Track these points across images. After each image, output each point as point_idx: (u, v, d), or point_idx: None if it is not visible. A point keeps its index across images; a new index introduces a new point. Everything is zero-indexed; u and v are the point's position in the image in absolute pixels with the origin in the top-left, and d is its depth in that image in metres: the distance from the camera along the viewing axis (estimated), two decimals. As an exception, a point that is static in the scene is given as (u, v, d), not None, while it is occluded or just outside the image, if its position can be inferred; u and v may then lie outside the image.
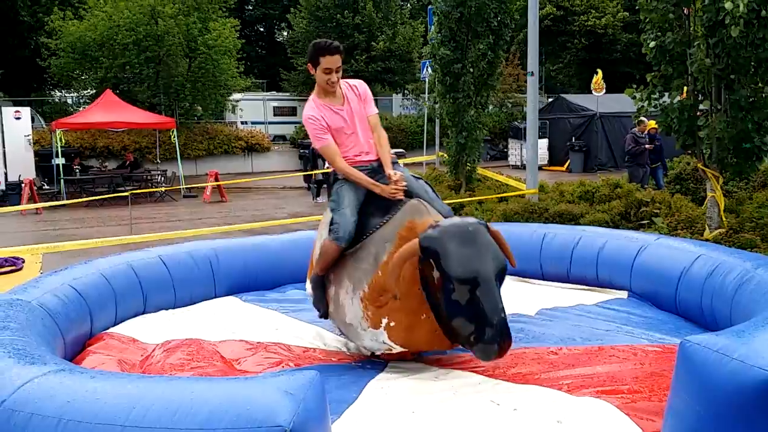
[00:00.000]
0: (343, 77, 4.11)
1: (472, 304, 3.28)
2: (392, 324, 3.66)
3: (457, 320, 3.36)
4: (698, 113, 6.97)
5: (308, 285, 4.32)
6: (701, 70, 6.49)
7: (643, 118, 11.05)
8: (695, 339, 2.54)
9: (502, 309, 3.30)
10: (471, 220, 3.56)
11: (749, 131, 6.48)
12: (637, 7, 7.31)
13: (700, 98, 6.94)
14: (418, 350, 3.95)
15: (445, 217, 3.76)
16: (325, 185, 15.99)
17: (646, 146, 12.02)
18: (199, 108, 23.93)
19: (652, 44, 7.00)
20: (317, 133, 4.01)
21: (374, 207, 3.94)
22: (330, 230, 3.88)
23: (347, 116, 4.08)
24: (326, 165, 16.44)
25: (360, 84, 4.23)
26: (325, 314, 4.21)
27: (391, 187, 3.86)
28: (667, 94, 7.21)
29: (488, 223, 3.66)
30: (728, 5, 5.89)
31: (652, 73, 7.28)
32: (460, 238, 3.37)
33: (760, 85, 6.46)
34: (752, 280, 3.98)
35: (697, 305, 4.53)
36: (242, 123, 27.71)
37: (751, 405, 2.28)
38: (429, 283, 3.47)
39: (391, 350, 3.82)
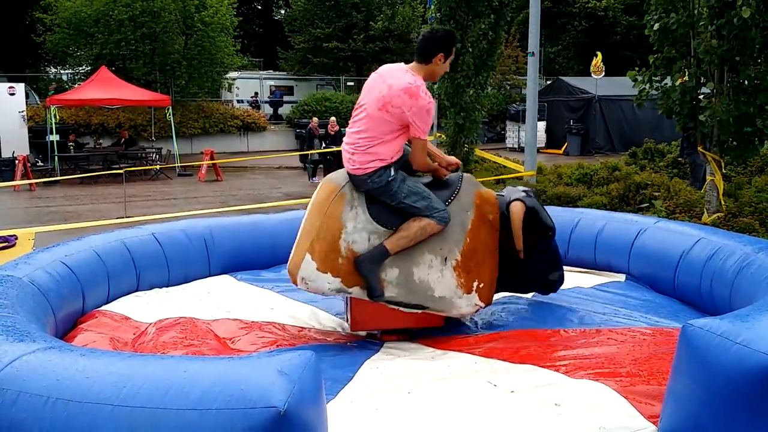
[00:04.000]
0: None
1: (555, 250, 4.44)
2: (481, 285, 4.05)
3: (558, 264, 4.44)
4: (700, 96, 6.91)
5: (309, 269, 3.83)
6: (708, 51, 6.41)
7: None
8: (698, 323, 2.50)
9: None
10: (521, 187, 4.50)
11: (752, 114, 6.42)
12: (641, -11, 7.24)
13: (702, 81, 6.87)
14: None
15: None
16: (321, 165, 15.87)
17: None
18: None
19: (656, 26, 6.91)
20: (429, 123, 3.85)
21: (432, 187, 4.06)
22: (434, 215, 3.82)
23: None
24: (322, 145, 16.23)
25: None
26: (381, 293, 3.88)
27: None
28: (669, 76, 7.14)
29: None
30: None
31: (655, 56, 7.21)
32: (537, 200, 4.38)
33: (763, 67, 6.39)
34: (753, 264, 3.94)
35: (696, 289, 4.50)
36: (238, 102, 27.52)
37: (755, 390, 2.24)
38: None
39: (479, 310, 4.14)
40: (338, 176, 4.01)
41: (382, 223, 3.85)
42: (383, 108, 3.69)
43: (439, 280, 3.93)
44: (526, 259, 4.29)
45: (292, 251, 3.95)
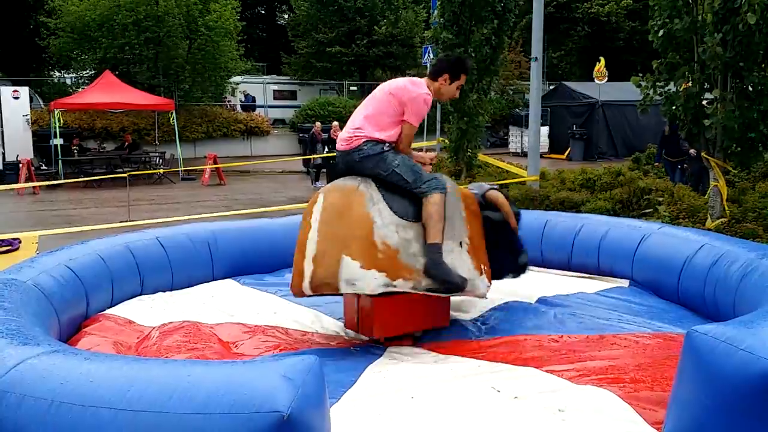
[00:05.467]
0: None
1: (518, 236, 4.68)
2: (486, 267, 4.25)
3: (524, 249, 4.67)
4: (703, 102, 6.90)
5: (352, 270, 3.83)
6: (713, 57, 6.41)
7: None
8: (702, 329, 2.49)
9: None
10: (485, 183, 4.84)
11: (755, 120, 6.42)
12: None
13: (705, 87, 6.86)
14: None
15: None
16: (323, 170, 15.88)
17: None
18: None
19: (660, 32, 6.91)
20: (422, 114, 4.15)
21: None
22: (430, 185, 3.98)
23: None
24: (325, 150, 16.28)
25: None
26: (463, 286, 4.01)
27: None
28: (672, 82, 7.13)
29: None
30: None
31: (659, 61, 7.20)
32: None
33: (767, 73, 6.39)
34: (757, 270, 3.93)
35: (699, 295, 4.49)
36: (241, 106, 27.58)
37: (759, 397, 2.23)
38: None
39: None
40: (347, 181, 4.11)
41: (401, 216, 3.99)
42: (389, 92, 4.06)
43: (461, 263, 4.06)
44: (498, 246, 4.49)
45: (311, 264, 3.90)
